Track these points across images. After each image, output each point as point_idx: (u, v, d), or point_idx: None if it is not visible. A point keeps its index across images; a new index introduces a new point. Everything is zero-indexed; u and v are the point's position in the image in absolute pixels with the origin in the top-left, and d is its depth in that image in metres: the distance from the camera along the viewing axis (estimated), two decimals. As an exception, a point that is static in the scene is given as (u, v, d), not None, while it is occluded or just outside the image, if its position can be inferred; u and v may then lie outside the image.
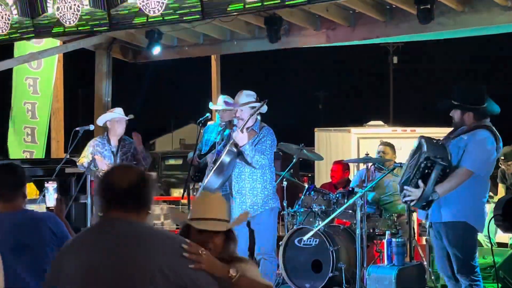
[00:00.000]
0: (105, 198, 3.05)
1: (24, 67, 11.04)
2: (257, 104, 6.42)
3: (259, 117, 6.59)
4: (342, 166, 9.24)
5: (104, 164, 7.64)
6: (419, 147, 5.42)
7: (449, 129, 5.73)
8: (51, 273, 3.11)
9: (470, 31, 8.72)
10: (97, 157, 7.71)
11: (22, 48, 10.83)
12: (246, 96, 6.52)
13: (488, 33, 9.00)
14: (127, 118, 7.97)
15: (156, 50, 9.66)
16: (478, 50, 37.76)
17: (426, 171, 5.27)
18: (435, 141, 5.45)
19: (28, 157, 11.01)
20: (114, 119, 7.91)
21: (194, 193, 8.28)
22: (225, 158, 6.39)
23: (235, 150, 6.40)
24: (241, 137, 6.28)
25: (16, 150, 11.26)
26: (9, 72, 11.05)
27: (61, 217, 4.50)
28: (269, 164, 6.52)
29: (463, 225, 5.37)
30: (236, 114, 6.54)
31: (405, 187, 5.39)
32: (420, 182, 5.28)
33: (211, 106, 8.51)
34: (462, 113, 5.52)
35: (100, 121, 8.06)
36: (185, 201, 9.07)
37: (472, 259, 5.41)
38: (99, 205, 3.08)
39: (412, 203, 5.51)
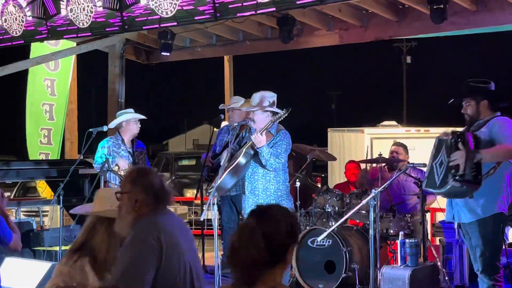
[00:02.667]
0: (154, 197, 3.67)
1: (42, 68, 11.10)
2: (272, 108, 6.43)
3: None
4: (356, 166, 9.25)
5: (126, 164, 7.67)
6: (439, 146, 5.39)
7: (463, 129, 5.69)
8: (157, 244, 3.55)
9: (483, 31, 8.68)
10: (120, 158, 7.72)
11: (38, 49, 10.89)
12: (259, 98, 6.51)
13: (501, 30, 8.95)
14: (143, 117, 7.99)
15: (168, 52, 9.70)
16: (491, 49, 37.61)
17: (459, 139, 5.14)
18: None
19: (44, 158, 11.07)
20: (131, 119, 7.90)
21: (207, 194, 8.29)
22: (241, 159, 6.40)
23: (252, 152, 6.41)
24: (259, 140, 6.29)
25: (33, 151, 11.31)
26: (25, 73, 11.12)
27: (2, 212, 4.69)
28: (282, 166, 6.52)
29: (493, 218, 5.31)
30: (250, 115, 6.55)
31: (451, 155, 5.18)
32: (460, 145, 5.13)
33: (221, 106, 8.54)
34: (477, 103, 5.47)
35: (115, 122, 7.99)
36: (198, 201, 9.08)
37: (498, 258, 5.37)
38: (147, 202, 3.65)
39: (460, 172, 5.12)
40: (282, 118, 6.41)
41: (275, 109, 6.44)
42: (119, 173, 7.67)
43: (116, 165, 7.69)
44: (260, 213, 2.86)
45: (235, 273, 2.82)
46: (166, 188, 3.75)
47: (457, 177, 5.14)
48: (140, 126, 7.99)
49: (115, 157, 7.71)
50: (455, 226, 5.73)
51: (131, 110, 8.02)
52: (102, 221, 3.96)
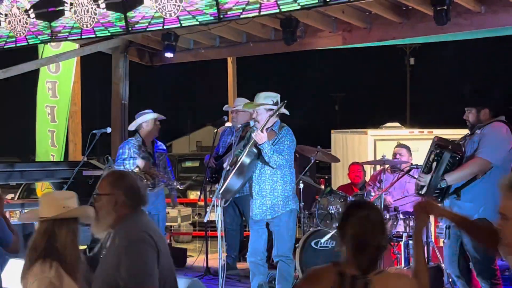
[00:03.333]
0: (134, 198, 3.83)
1: (44, 71, 11.12)
2: (274, 107, 6.43)
3: (278, 119, 6.58)
4: (359, 167, 9.26)
5: (147, 166, 7.64)
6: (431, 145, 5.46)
7: (467, 131, 5.70)
8: (154, 242, 3.71)
9: (487, 32, 8.66)
10: (139, 160, 7.67)
11: (45, 51, 10.90)
12: (263, 98, 6.52)
13: (505, 33, 8.94)
14: (163, 117, 7.97)
15: (172, 54, 9.70)
16: (495, 50, 37.55)
17: (436, 158, 5.27)
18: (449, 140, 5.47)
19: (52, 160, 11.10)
20: (152, 119, 7.87)
21: (211, 195, 8.29)
22: (245, 159, 6.40)
23: (255, 151, 6.41)
24: (260, 137, 6.29)
25: (43, 153, 11.32)
26: (30, 75, 11.14)
27: (1, 213, 4.75)
28: (288, 165, 6.51)
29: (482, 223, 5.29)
30: (253, 115, 6.57)
31: (420, 174, 5.43)
32: (434, 165, 5.28)
33: (226, 108, 8.54)
34: (477, 111, 5.46)
35: (135, 124, 7.94)
36: (201, 203, 9.09)
37: (492, 262, 5.34)
38: (127, 204, 3.81)
39: (423, 191, 5.42)
40: (280, 112, 6.41)
41: (272, 106, 6.44)
42: (139, 174, 7.65)
43: (137, 166, 7.65)
44: (363, 205, 3.35)
45: (362, 260, 3.12)
46: (142, 190, 3.94)
47: (419, 193, 5.52)
48: (159, 126, 7.99)
49: (135, 158, 7.68)
50: (444, 227, 5.73)
51: (150, 110, 8.00)
52: (59, 223, 3.93)
